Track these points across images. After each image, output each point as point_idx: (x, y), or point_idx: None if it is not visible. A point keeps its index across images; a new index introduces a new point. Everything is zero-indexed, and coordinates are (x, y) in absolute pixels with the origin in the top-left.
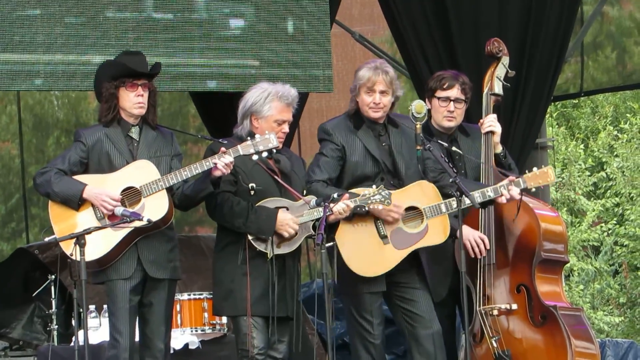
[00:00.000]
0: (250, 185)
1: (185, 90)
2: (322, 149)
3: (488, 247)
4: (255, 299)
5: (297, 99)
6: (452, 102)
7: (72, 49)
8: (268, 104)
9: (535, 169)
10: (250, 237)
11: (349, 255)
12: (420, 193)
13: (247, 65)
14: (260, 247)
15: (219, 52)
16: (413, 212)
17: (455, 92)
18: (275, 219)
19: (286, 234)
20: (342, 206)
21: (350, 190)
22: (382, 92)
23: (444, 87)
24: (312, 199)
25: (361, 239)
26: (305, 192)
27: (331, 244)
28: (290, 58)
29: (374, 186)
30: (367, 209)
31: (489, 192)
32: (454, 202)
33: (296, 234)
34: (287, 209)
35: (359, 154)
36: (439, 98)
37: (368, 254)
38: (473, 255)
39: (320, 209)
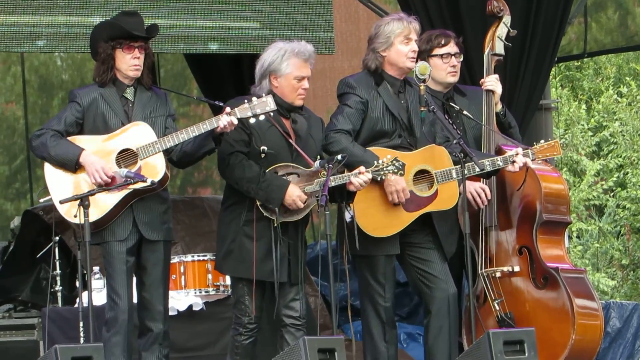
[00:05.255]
0: (262, 148)
1: (187, 52)
2: (346, 100)
3: (489, 196)
4: (256, 262)
5: (314, 54)
6: (453, 57)
7: (75, 10)
8: (286, 61)
9: (542, 141)
10: (258, 202)
11: (360, 214)
12: (432, 157)
13: (248, 27)
14: (266, 212)
15: (221, 14)
16: (424, 175)
17: (453, 46)
18: (285, 192)
19: (290, 208)
20: (363, 179)
21: (368, 148)
22: (415, 41)
23: (442, 43)
24: (316, 162)
25: (373, 199)
26: (327, 141)
27: (350, 217)
28: (291, 20)
29: (388, 156)
30: (379, 179)
31: (499, 162)
32: (464, 170)
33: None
34: (298, 176)
35: (379, 109)
36: (440, 55)
37: (379, 214)
38: (476, 207)
39: (332, 178)
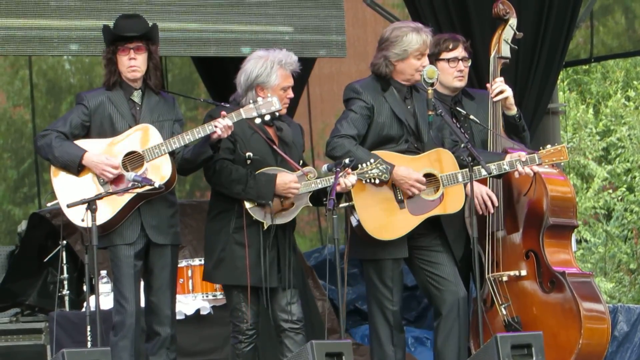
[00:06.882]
0: (247, 154)
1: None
2: (351, 106)
3: (496, 204)
4: (248, 269)
5: (298, 62)
6: (460, 62)
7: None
8: (274, 73)
9: (549, 146)
10: (247, 206)
11: (365, 216)
12: (438, 160)
13: (260, 30)
14: (256, 215)
15: (231, 17)
16: (430, 179)
17: (461, 51)
18: (274, 183)
19: (291, 195)
20: (352, 181)
21: (374, 152)
22: (426, 54)
23: (450, 48)
24: (324, 165)
25: (378, 202)
26: (330, 147)
27: (356, 221)
28: (303, 23)
29: (372, 160)
30: (364, 182)
31: (505, 166)
32: (472, 173)
33: (292, 204)
34: None
35: (386, 115)
36: (447, 60)
37: (383, 217)
38: (481, 212)
39: (319, 180)
